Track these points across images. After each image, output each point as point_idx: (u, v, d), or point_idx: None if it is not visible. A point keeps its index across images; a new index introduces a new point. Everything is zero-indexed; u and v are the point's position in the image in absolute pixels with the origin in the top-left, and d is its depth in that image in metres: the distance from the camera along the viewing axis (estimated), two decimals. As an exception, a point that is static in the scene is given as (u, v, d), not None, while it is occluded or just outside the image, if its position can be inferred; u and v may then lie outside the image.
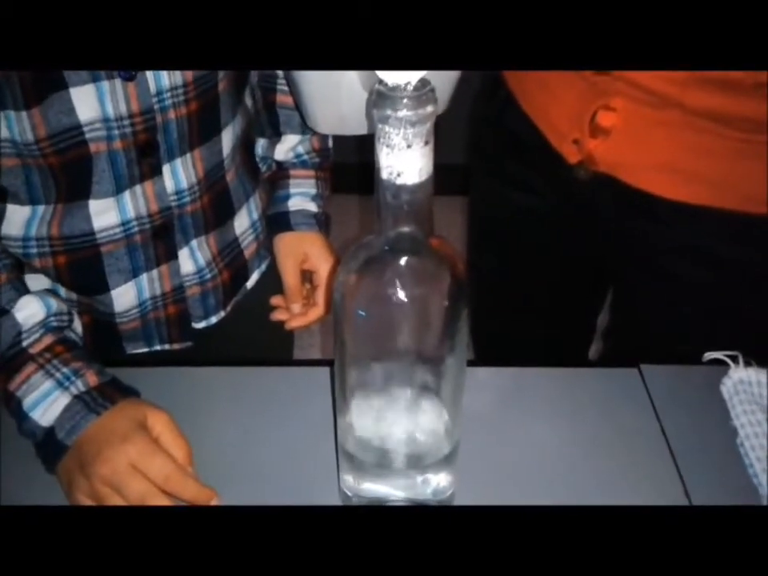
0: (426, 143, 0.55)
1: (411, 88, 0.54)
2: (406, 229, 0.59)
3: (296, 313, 1.05)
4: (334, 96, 0.86)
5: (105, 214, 0.87)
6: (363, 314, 0.63)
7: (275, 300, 1.08)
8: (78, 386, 0.76)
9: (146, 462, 0.72)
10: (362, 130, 0.87)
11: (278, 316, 1.07)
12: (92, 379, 0.77)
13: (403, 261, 0.61)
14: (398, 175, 0.56)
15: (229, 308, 1.05)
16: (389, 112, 0.53)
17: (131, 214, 0.88)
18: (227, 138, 0.95)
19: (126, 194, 0.87)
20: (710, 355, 0.86)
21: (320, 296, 1.05)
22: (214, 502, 0.74)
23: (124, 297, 0.93)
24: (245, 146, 1.02)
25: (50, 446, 0.75)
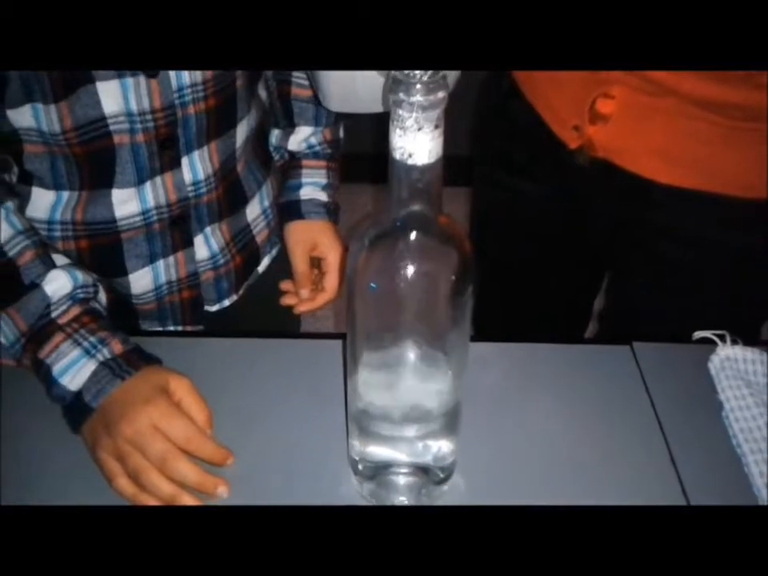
0: (437, 127, 0.58)
1: (426, 76, 0.57)
2: (416, 207, 0.62)
3: (304, 298, 1.08)
4: (351, 77, 0.89)
5: (126, 203, 0.90)
6: (374, 286, 0.66)
7: (285, 285, 1.11)
8: (104, 354, 0.79)
9: (167, 423, 0.75)
10: (373, 108, 0.90)
11: (287, 301, 1.10)
12: (117, 347, 0.80)
13: (413, 237, 0.64)
14: (410, 156, 0.59)
15: (241, 292, 1.08)
16: (402, 96, 0.57)
17: (151, 203, 0.92)
18: (241, 131, 0.98)
19: (147, 185, 0.90)
20: (699, 334, 0.89)
21: (328, 282, 1.08)
22: (229, 462, 0.78)
23: (141, 281, 0.96)
24: (256, 136, 1.04)
25: (77, 409, 0.78)
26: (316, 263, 1.11)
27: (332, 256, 1.08)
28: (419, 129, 0.58)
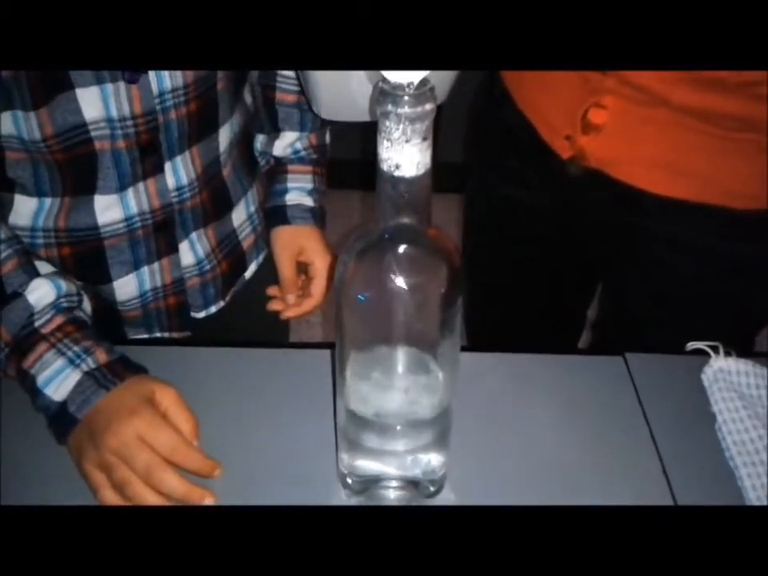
0: (424, 139, 0.58)
1: (413, 87, 0.56)
2: (404, 219, 0.62)
3: (291, 303, 1.08)
4: (344, 84, 0.89)
5: (109, 210, 0.90)
6: (362, 298, 0.65)
7: (271, 290, 1.11)
8: (89, 364, 0.78)
9: (152, 434, 0.74)
10: (366, 116, 0.89)
11: (273, 306, 1.09)
12: (102, 357, 0.79)
13: (401, 249, 0.63)
14: (397, 168, 0.58)
15: (228, 298, 1.07)
16: (390, 108, 0.56)
17: (134, 210, 0.91)
18: (224, 135, 0.97)
19: (130, 191, 0.89)
20: (692, 345, 0.88)
21: (314, 287, 1.08)
22: (216, 474, 0.76)
23: (125, 288, 0.95)
24: (242, 140, 1.04)
25: (62, 420, 0.77)
26: (303, 269, 1.10)
27: (318, 261, 1.07)
28: (407, 141, 0.58)
